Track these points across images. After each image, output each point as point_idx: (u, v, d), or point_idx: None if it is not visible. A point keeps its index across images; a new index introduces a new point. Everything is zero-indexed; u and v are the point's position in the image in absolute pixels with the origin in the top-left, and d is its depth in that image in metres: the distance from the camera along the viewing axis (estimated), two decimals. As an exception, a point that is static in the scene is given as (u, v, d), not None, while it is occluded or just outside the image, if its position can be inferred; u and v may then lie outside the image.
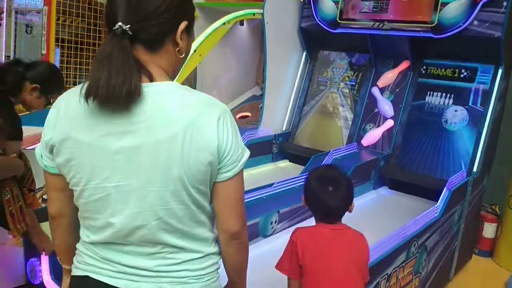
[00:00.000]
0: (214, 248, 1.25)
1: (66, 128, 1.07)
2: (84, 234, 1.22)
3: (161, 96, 1.06)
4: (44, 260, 2.44)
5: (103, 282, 1.18)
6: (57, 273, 2.39)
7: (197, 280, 1.20)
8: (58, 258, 1.42)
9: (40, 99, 2.17)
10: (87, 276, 1.21)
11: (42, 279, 2.51)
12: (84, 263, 1.23)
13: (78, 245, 1.27)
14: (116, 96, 0.98)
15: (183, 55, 1.14)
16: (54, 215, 1.28)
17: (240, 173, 1.19)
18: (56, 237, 1.33)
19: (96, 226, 1.16)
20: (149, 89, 1.04)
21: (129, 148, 1.05)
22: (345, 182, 1.71)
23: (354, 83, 4.24)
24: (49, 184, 1.23)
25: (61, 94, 1.17)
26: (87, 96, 1.00)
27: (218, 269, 1.28)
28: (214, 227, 1.25)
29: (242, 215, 1.24)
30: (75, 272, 1.26)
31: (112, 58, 0.98)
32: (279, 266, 1.70)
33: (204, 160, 1.08)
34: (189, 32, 1.14)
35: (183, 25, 1.08)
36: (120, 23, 0.99)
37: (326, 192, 1.66)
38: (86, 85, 1.02)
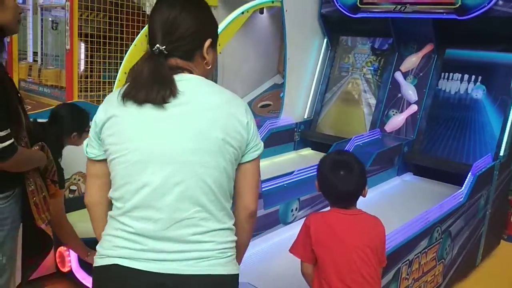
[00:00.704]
0: (233, 224, 1.32)
1: (114, 110, 1.26)
2: (116, 207, 1.26)
3: (195, 82, 1.26)
4: (73, 248, 2.53)
5: (132, 268, 1.20)
6: (85, 261, 2.48)
7: (221, 254, 1.25)
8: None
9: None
10: (115, 265, 1.22)
11: (71, 267, 2.61)
12: (109, 249, 1.25)
13: (105, 230, 1.30)
14: (151, 101, 1.21)
15: (210, 67, 1.34)
16: (91, 202, 1.35)
17: (259, 158, 1.36)
18: (99, 225, 1.35)
19: (132, 190, 1.22)
20: (182, 77, 1.25)
21: (171, 115, 1.21)
22: (358, 166, 1.69)
23: (376, 68, 4.18)
24: (90, 171, 1.35)
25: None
26: (124, 96, 1.24)
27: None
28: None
29: (258, 195, 1.40)
30: (99, 262, 1.26)
31: (149, 73, 1.22)
32: (293, 249, 1.72)
33: (240, 130, 1.26)
34: (214, 47, 1.34)
35: (208, 42, 1.29)
36: (158, 45, 1.23)
37: (338, 177, 1.66)
38: (123, 89, 1.26)
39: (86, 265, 2.51)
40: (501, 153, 3.29)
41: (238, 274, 1.31)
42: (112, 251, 1.24)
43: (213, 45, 1.33)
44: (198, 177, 1.20)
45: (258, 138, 1.34)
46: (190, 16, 1.26)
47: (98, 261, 1.27)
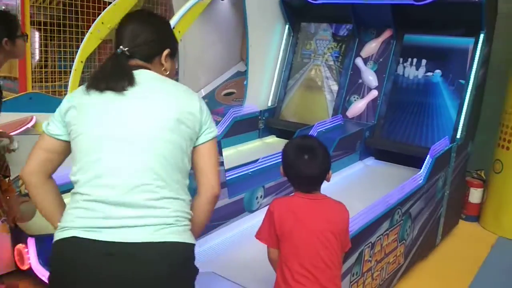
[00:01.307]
0: (189, 201, 1.43)
1: (77, 99, 1.41)
2: (77, 183, 1.35)
3: (151, 76, 1.44)
4: (31, 245, 2.45)
5: (89, 239, 1.26)
6: (44, 258, 2.40)
7: (177, 222, 1.34)
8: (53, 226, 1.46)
9: (17, 43, 2.20)
10: (74, 237, 1.28)
11: (30, 265, 2.52)
12: (70, 221, 1.30)
13: (67, 206, 1.37)
14: (112, 88, 1.37)
15: (167, 73, 1.53)
16: (29, 171, 1.40)
17: (215, 141, 1.49)
18: (43, 200, 1.43)
19: (92, 160, 1.32)
20: (140, 71, 1.42)
21: (130, 98, 1.37)
22: (321, 150, 1.70)
23: (338, 55, 4.21)
24: (40, 144, 1.44)
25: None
26: (88, 87, 1.39)
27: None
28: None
29: (219, 177, 1.50)
30: (59, 235, 1.32)
31: (111, 68, 1.41)
32: (258, 235, 1.73)
33: (194, 112, 1.41)
34: (172, 58, 1.54)
35: (166, 51, 1.50)
36: (121, 47, 1.44)
37: (303, 161, 1.67)
38: (88, 81, 1.41)
39: (45, 262, 2.43)
40: (458, 136, 3.40)
41: (194, 244, 1.39)
42: (72, 222, 1.30)
43: (171, 56, 1.53)
44: (156, 150, 1.33)
45: (212, 122, 1.48)
46: (151, 28, 1.48)
47: (58, 235, 1.32)
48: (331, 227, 1.64)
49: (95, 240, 1.26)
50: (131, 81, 1.37)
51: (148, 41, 1.46)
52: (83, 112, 1.37)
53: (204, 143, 1.45)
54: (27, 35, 2.31)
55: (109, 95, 1.36)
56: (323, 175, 1.70)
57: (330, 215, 1.68)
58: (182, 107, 1.39)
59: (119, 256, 1.25)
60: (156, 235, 1.28)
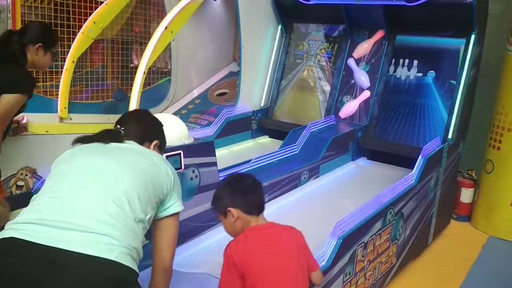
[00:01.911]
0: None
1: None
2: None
3: (137, 144, 1.65)
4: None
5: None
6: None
7: None
8: None
9: (46, 55, 2.45)
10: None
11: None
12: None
13: None
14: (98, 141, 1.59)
15: None
16: None
17: (178, 216, 1.61)
18: None
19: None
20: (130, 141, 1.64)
21: (111, 147, 1.55)
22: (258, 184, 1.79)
23: (330, 55, 4.23)
24: None
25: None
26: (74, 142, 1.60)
27: None
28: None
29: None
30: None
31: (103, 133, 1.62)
32: (221, 286, 1.68)
33: (163, 180, 1.55)
34: (160, 150, 1.76)
35: (155, 141, 1.73)
36: (119, 126, 1.67)
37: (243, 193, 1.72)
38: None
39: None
40: (450, 136, 3.42)
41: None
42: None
43: (160, 148, 1.75)
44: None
45: (179, 195, 1.62)
46: (142, 121, 1.75)
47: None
48: (290, 252, 1.64)
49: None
50: (119, 140, 1.58)
51: (140, 128, 1.69)
52: (63, 159, 1.56)
53: (169, 216, 1.57)
54: (57, 55, 2.60)
55: (93, 145, 1.56)
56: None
57: (286, 240, 1.68)
58: (155, 173, 1.52)
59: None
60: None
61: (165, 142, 1.82)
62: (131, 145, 1.60)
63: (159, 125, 1.81)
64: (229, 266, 1.63)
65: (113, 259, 1.26)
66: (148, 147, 1.69)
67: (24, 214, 1.34)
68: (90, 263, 1.23)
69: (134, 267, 1.33)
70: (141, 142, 1.65)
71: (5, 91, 2.25)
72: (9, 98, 2.25)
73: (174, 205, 1.57)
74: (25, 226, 1.29)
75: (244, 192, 1.71)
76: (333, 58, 4.20)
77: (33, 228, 1.27)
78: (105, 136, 1.58)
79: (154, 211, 1.51)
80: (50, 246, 1.23)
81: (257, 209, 1.72)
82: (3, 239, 1.27)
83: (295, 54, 4.42)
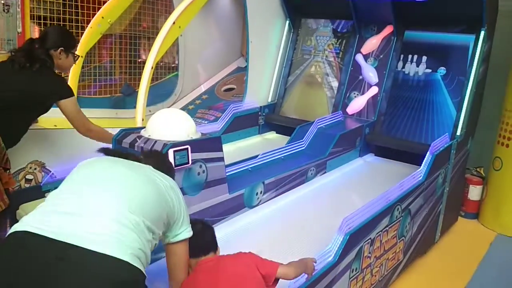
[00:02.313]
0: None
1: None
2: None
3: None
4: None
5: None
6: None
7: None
8: None
9: (69, 57, 2.55)
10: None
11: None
12: None
13: None
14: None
15: None
16: None
17: (187, 242, 1.68)
18: None
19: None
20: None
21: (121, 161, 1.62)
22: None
23: (338, 51, 4.21)
24: None
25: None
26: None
27: None
28: None
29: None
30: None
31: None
32: None
33: (176, 203, 1.60)
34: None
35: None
36: (142, 157, 1.75)
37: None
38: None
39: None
40: (458, 133, 3.40)
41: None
42: None
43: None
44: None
45: (189, 224, 1.66)
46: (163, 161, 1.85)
47: None
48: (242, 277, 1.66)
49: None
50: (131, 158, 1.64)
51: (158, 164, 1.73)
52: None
53: (177, 242, 1.64)
54: (79, 56, 2.71)
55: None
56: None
57: (235, 267, 1.71)
58: (162, 197, 1.55)
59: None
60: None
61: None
62: (149, 168, 1.65)
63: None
64: None
65: (123, 258, 1.26)
66: None
67: (40, 208, 1.36)
68: (99, 261, 1.23)
69: (143, 269, 1.33)
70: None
71: (61, 98, 2.45)
72: (70, 102, 2.49)
73: (186, 231, 1.64)
74: (39, 219, 1.30)
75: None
76: (341, 53, 4.18)
77: (46, 220, 1.29)
78: (127, 154, 1.67)
79: (163, 229, 1.54)
80: (61, 242, 1.23)
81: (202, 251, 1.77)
82: (16, 232, 1.28)
83: (302, 50, 4.41)
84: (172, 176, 1.77)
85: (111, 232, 1.28)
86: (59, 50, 2.49)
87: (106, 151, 1.66)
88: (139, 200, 1.41)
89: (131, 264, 1.27)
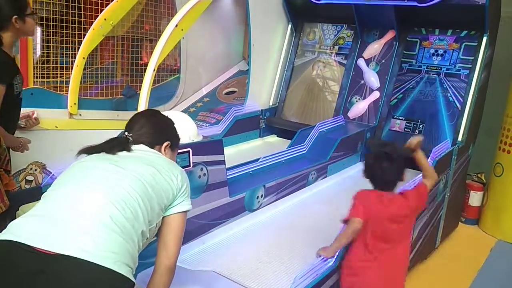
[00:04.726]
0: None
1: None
2: None
3: (147, 148, 1.65)
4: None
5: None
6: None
7: None
8: None
9: (27, 22, 2.23)
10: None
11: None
12: None
13: None
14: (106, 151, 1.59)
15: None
16: None
17: (185, 215, 1.61)
18: None
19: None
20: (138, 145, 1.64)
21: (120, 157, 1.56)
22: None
23: (340, 55, 4.21)
24: None
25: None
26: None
27: None
28: None
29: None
30: None
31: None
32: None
33: (167, 187, 1.54)
34: (172, 150, 1.74)
35: (166, 143, 1.70)
36: (127, 133, 1.65)
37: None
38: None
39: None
40: (459, 139, 3.39)
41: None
42: None
43: (171, 147, 1.73)
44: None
45: (187, 198, 1.60)
46: (154, 122, 1.71)
47: None
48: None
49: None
50: (127, 149, 1.58)
51: (150, 132, 1.67)
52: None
53: (174, 214, 1.55)
54: (36, 13, 2.29)
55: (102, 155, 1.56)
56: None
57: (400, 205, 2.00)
58: (162, 177, 1.53)
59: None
60: None
61: (177, 140, 1.80)
62: (136, 153, 1.58)
63: (169, 124, 1.78)
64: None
65: (109, 266, 1.22)
66: (159, 150, 1.67)
67: (25, 217, 1.34)
68: (84, 269, 1.20)
69: (130, 275, 1.28)
70: (151, 146, 1.65)
71: None
72: None
73: (181, 204, 1.56)
74: (25, 227, 1.28)
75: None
76: (343, 58, 4.18)
77: (32, 230, 1.27)
78: (111, 146, 1.57)
79: (159, 218, 1.50)
80: (43, 253, 1.21)
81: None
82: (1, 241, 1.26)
83: (304, 54, 4.41)
84: (174, 135, 1.75)
85: (96, 237, 1.25)
86: (14, 19, 2.18)
87: (87, 151, 1.56)
88: (123, 201, 1.36)
89: (118, 273, 1.24)
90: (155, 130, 1.68)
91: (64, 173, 1.50)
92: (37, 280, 1.19)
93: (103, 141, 1.60)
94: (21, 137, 2.35)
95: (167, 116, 1.80)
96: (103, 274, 1.22)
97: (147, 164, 1.52)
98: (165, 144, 1.69)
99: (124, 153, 1.56)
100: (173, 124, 1.80)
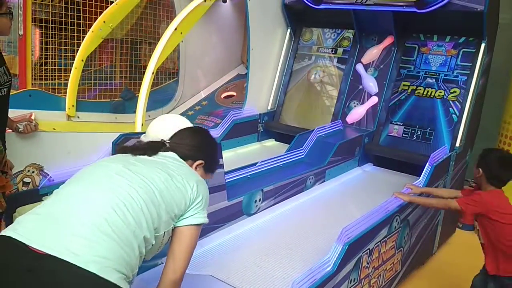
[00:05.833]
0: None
1: None
2: None
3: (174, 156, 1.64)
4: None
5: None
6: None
7: None
8: None
9: (1, 19, 2.12)
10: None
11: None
12: None
13: None
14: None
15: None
16: None
17: (198, 228, 1.55)
18: None
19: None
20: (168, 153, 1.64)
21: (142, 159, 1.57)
22: None
23: (338, 60, 4.22)
24: None
25: None
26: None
27: None
28: None
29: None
30: None
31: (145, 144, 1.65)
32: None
33: (179, 195, 1.50)
34: (205, 171, 1.70)
35: (199, 161, 1.67)
36: (164, 139, 1.68)
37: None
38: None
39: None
40: (457, 144, 3.40)
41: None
42: None
43: (204, 168, 1.69)
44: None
45: (203, 211, 1.52)
46: (197, 138, 1.71)
47: None
48: None
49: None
50: (153, 151, 1.58)
51: (189, 144, 1.66)
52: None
53: (184, 226, 1.48)
54: (12, 13, 2.20)
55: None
56: None
57: None
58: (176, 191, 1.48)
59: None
60: None
61: (214, 164, 1.78)
62: (158, 158, 1.55)
63: (212, 146, 1.78)
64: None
65: (94, 271, 1.18)
66: (190, 165, 1.63)
67: (29, 214, 1.33)
68: (67, 273, 1.17)
69: (120, 282, 1.23)
70: (184, 158, 1.62)
71: None
72: None
73: (194, 216, 1.49)
74: (25, 225, 1.27)
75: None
76: (341, 63, 4.19)
77: (30, 228, 1.25)
78: (136, 147, 1.59)
79: (169, 227, 1.45)
80: (35, 253, 1.19)
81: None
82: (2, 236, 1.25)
83: (303, 59, 4.42)
84: (211, 157, 1.73)
85: (88, 241, 1.22)
86: None
87: (120, 149, 1.58)
88: (126, 204, 1.32)
89: (104, 279, 1.19)
90: (194, 145, 1.67)
91: (82, 170, 1.48)
92: (25, 278, 1.17)
93: (136, 144, 1.65)
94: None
95: (214, 139, 1.80)
96: (86, 279, 1.18)
97: (161, 169, 1.48)
98: (198, 161, 1.66)
99: (145, 157, 1.54)
100: (217, 148, 1.81)
